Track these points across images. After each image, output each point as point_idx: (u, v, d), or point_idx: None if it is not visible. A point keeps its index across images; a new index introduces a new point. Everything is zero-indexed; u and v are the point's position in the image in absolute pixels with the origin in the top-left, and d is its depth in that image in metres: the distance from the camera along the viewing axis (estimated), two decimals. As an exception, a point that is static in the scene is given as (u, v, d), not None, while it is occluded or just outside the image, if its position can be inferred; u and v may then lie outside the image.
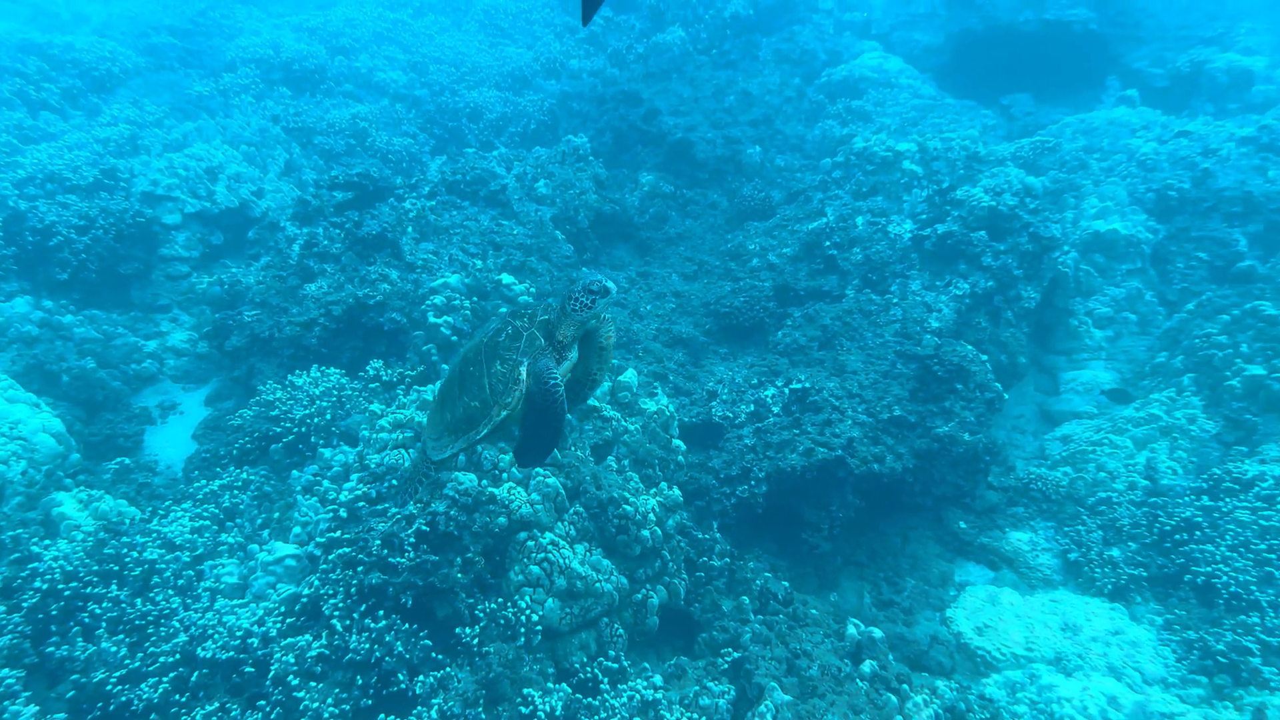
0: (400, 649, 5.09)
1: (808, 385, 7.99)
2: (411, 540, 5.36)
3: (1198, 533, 7.12)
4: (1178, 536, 7.17)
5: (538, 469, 6.18)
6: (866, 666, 5.79)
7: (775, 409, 7.91)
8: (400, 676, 5.04)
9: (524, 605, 5.58)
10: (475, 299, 7.76)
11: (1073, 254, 9.91)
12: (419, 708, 4.89)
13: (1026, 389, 10.07)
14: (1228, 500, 7.30)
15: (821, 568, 7.60)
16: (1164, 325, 9.69)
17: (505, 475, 6.18)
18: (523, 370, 3.84)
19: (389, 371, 7.15)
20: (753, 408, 7.89)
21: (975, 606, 7.17)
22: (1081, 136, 11.87)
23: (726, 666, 5.83)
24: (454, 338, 7.51)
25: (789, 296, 9.65)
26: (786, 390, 8.03)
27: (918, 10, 15.66)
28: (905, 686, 5.70)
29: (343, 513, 5.62)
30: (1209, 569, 6.83)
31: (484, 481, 6.03)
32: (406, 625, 5.20)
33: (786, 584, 6.97)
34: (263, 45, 13.40)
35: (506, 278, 8.03)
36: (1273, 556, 6.78)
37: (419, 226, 8.50)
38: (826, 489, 7.48)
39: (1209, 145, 10.79)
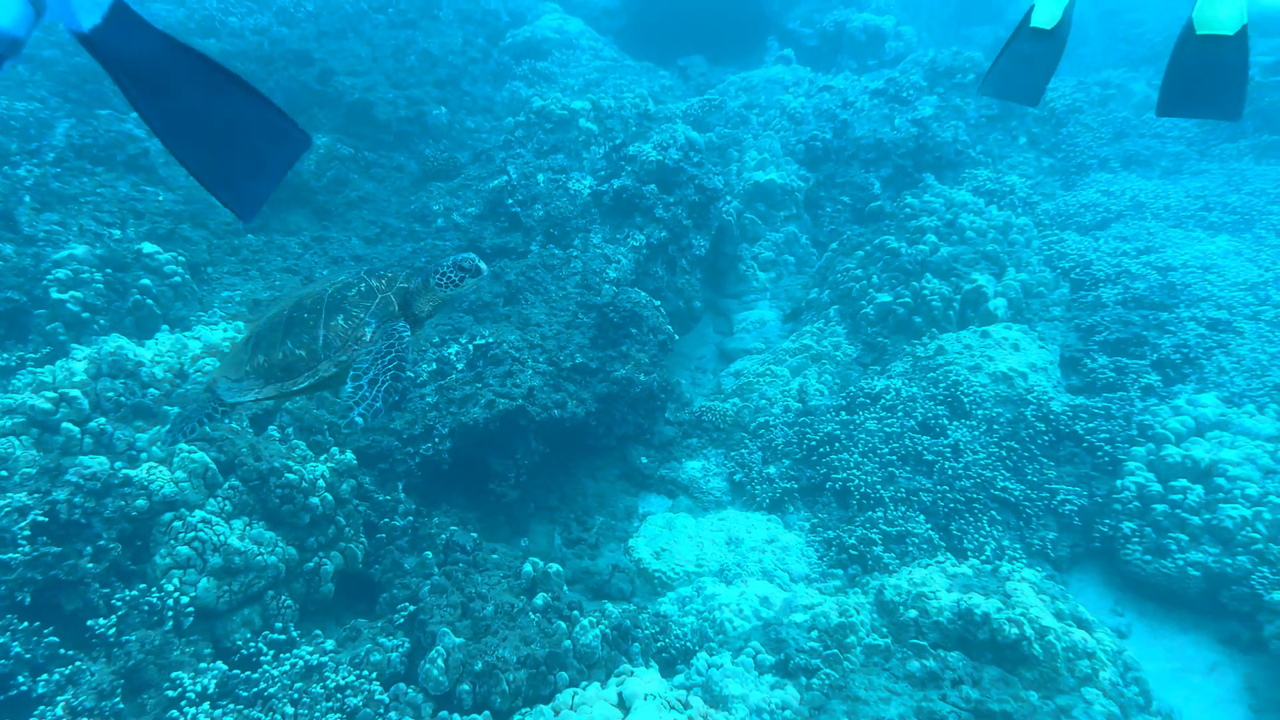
0: (19, 649, 4.64)
1: (491, 340, 8.09)
2: (26, 533, 4.87)
3: (837, 444, 8.02)
4: (821, 449, 8.03)
5: (183, 446, 5.82)
6: (539, 599, 6.02)
7: (459, 365, 7.94)
8: (20, 679, 4.60)
9: (171, 589, 5.26)
10: (110, 271, 7.09)
11: (735, 203, 10.71)
12: (42, 707, 4.50)
13: (706, 331, 10.82)
14: (860, 413, 8.27)
15: (513, 515, 7.77)
16: (817, 264, 10.74)
17: (144, 455, 5.78)
18: (368, 331, 3.64)
19: (6, 355, 6.40)
20: (435, 366, 7.87)
21: (654, 533, 7.65)
22: (744, 94, 12.80)
23: (403, 621, 5.83)
24: (85, 314, 6.83)
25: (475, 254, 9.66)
26: (470, 346, 8.08)
27: (594, -28, 16.10)
28: (576, 613, 5.99)
29: (-60, 514, 4.99)
30: (844, 475, 7.72)
31: (118, 464, 5.60)
32: (26, 624, 4.74)
33: (475, 535, 7.07)
34: None
35: (149, 246, 7.40)
36: (894, 459, 7.79)
37: (39, 195, 7.61)
38: (511, 438, 7.64)
39: (847, 98, 12.03)
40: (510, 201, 9.97)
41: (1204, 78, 3.89)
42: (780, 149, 11.51)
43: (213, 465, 5.87)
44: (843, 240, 10.38)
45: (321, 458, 6.54)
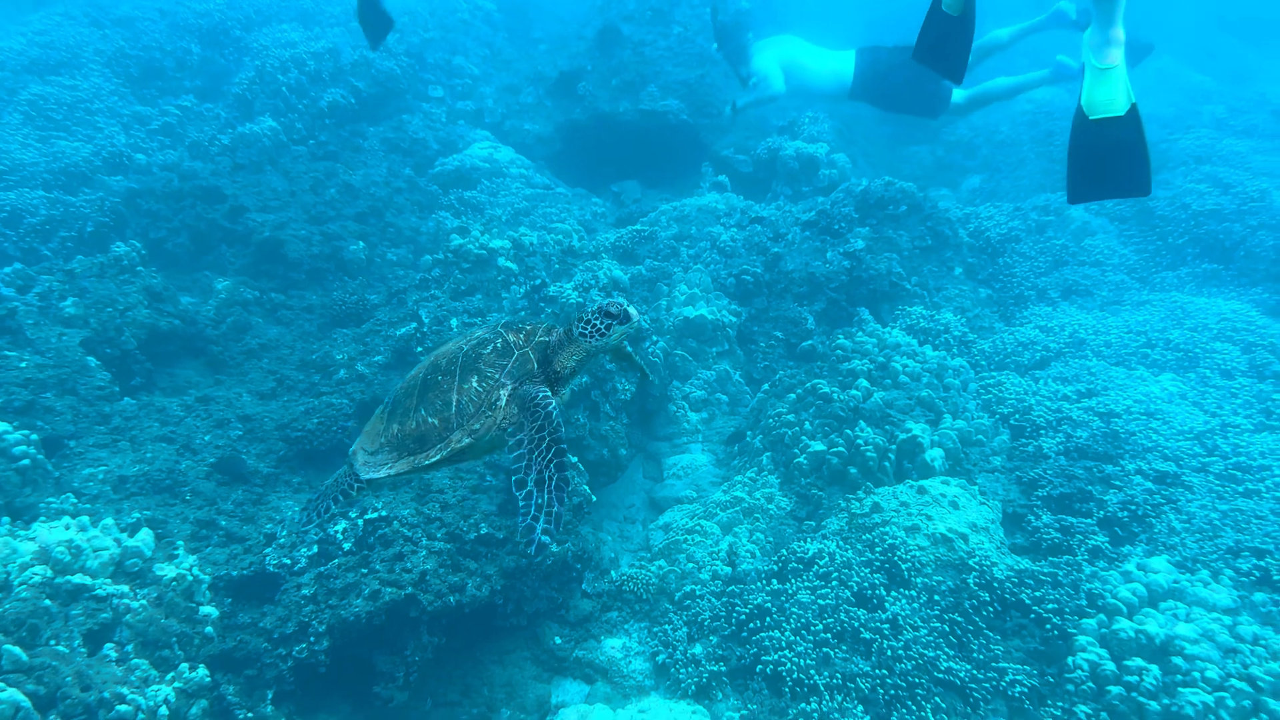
0: None
1: (384, 514, 7.35)
2: None
3: (768, 619, 7.29)
4: (751, 625, 7.30)
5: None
6: None
7: (346, 545, 7.18)
8: None
9: None
10: (-56, 460, 6.35)
11: (661, 343, 10.19)
12: None
13: (636, 477, 10.14)
14: (793, 581, 7.57)
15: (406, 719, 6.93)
16: (750, 404, 10.19)
17: (-56, 699, 4.93)
18: (503, 394, 3.29)
19: None
20: (316, 549, 7.09)
21: (564, 733, 6.83)
22: (675, 224, 12.45)
23: None
24: (-94, 514, 6.06)
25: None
26: (360, 522, 7.32)
27: (525, 101, 15.91)
28: None
29: None
30: (776, 656, 6.97)
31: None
32: None
33: (355, 749, 6.24)
34: None
35: (-3, 426, 6.68)
36: (829, 637, 7.06)
37: (-118, 372, 6.92)
38: (400, 632, 6.84)
39: (779, 230, 11.70)
40: (419, 350, 9.38)
41: (1107, 160, 4.00)
42: (711, 283, 11.09)
43: (26, 703, 5.02)
44: (775, 381, 9.86)
45: (168, 677, 5.72)
